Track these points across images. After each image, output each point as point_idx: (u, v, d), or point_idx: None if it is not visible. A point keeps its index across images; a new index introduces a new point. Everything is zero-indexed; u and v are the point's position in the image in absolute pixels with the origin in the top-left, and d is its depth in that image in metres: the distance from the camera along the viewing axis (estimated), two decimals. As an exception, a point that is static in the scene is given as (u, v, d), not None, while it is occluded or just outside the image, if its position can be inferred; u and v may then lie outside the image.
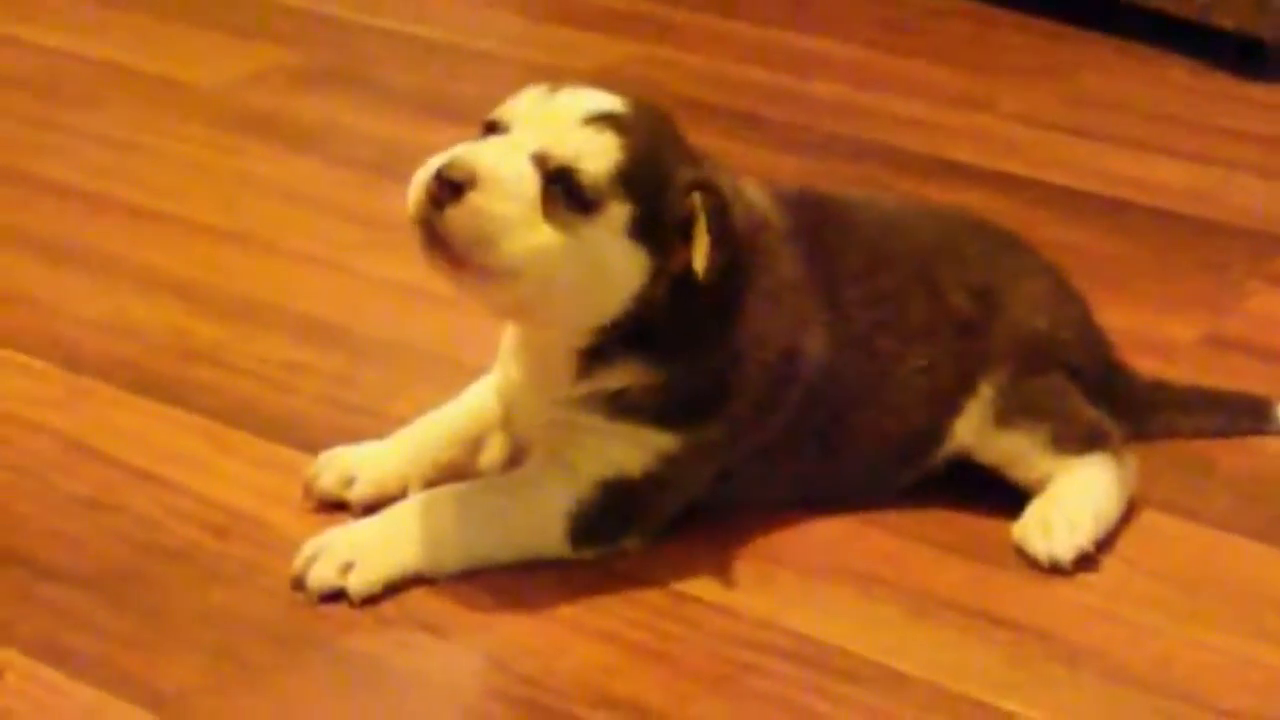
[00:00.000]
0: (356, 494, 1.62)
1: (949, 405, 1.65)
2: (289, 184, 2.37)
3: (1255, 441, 1.84)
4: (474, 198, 1.41)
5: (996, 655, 1.49)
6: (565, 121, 1.46)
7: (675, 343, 1.52)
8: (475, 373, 1.72)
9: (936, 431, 1.66)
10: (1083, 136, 2.72)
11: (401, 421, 1.69)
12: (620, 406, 1.54)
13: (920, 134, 2.69)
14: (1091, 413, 1.68)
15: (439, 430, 1.67)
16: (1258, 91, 2.97)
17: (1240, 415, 1.85)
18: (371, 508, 1.60)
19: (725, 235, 1.48)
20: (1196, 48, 3.10)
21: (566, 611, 1.50)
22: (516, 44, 3.06)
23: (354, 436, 1.68)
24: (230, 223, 2.23)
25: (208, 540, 1.57)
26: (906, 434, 1.65)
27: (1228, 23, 3.05)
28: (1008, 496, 1.67)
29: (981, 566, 1.60)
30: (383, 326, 1.98)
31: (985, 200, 2.40)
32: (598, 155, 1.44)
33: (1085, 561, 1.60)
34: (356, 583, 1.49)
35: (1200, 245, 2.33)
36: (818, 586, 1.57)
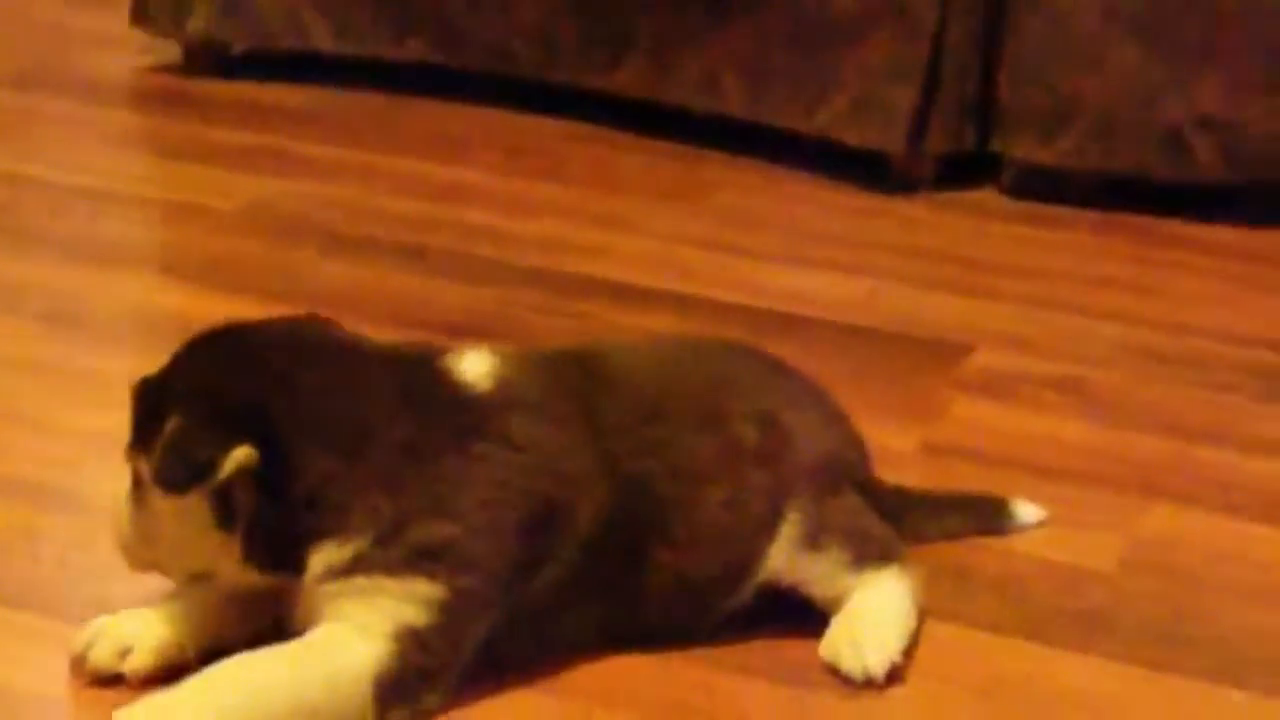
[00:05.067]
0: (133, 665, 1.54)
1: (761, 535, 1.65)
2: (-42, 340, 2.24)
3: (998, 542, 1.89)
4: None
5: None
6: None
7: (328, 523, 1.50)
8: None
9: (750, 562, 1.65)
10: (740, 255, 2.77)
11: (158, 583, 1.60)
12: (364, 568, 1.50)
13: (583, 258, 2.69)
14: (883, 528, 1.70)
15: (210, 593, 1.58)
16: (890, 204, 3.07)
17: (981, 516, 1.90)
18: (149, 679, 1.52)
19: (178, 449, 1.47)
20: (822, 165, 3.19)
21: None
22: (159, 185, 2.96)
23: (108, 603, 1.59)
24: (-94, 384, 2.10)
25: (-11, 726, 1.46)
26: (717, 569, 1.65)
27: (851, 139, 3.14)
28: (790, 615, 1.67)
29: (792, 689, 1.60)
30: (109, 482, 1.86)
31: (670, 322, 2.43)
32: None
33: (893, 676, 1.61)
34: (161, 773, 1.41)
35: (883, 356, 2.39)
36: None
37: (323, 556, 1.50)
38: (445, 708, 1.52)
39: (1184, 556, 1.89)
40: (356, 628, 1.49)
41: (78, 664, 1.54)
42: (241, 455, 1.47)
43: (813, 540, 1.66)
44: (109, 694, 1.51)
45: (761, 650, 1.65)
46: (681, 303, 2.53)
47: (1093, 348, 2.45)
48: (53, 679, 1.54)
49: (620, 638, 1.63)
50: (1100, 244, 2.93)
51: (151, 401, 1.52)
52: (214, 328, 1.56)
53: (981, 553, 1.86)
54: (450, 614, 1.51)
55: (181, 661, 1.54)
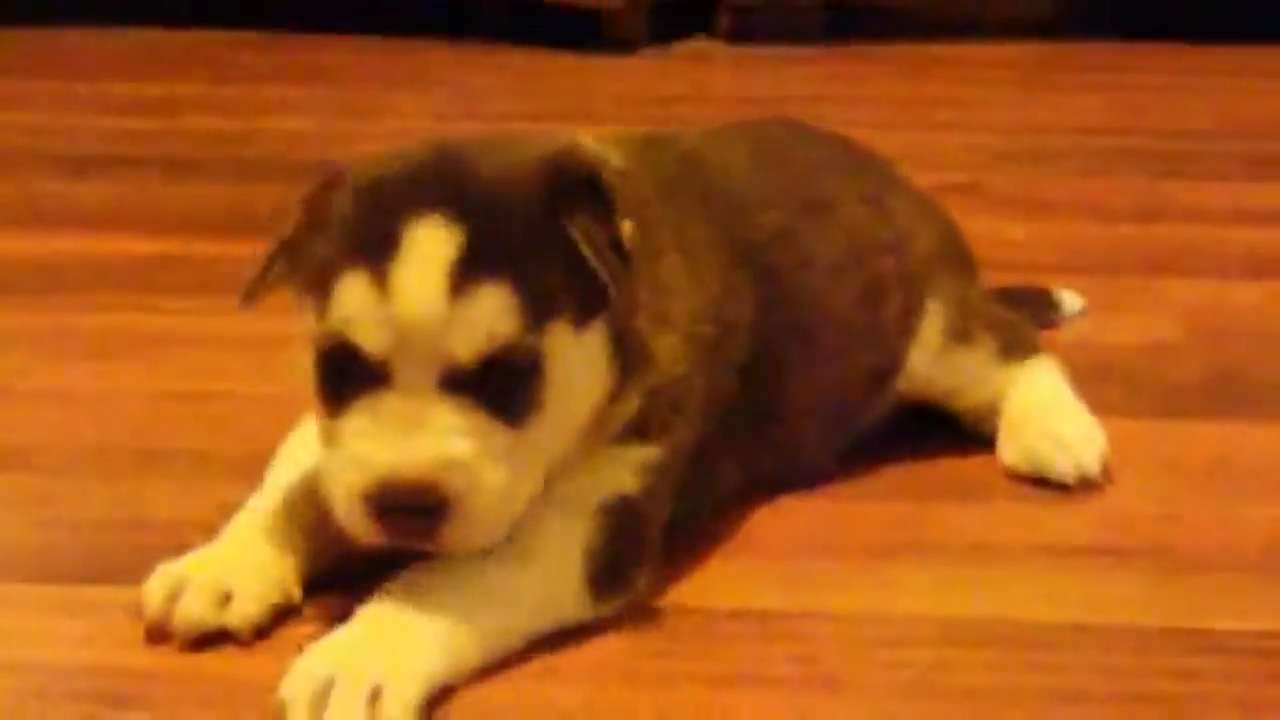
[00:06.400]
0: (240, 614, 1.18)
1: (900, 333, 1.42)
2: None
3: (1055, 335, 1.70)
4: (464, 508, 1.12)
5: (1121, 583, 1.26)
6: (434, 311, 1.12)
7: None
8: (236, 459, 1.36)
9: (890, 366, 1.43)
10: (498, 122, 2.51)
11: (203, 527, 1.24)
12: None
13: (337, 146, 2.38)
14: (1017, 314, 1.50)
15: (298, 506, 1.24)
16: (615, 63, 2.88)
17: (1035, 307, 1.70)
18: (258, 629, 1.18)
19: (612, 249, 1.16)
20: (535, 37, 2.96)
21: (608, 664, 1.16)
22: None
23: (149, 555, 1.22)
24: None
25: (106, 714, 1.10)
26: (857, 375, 1.41)
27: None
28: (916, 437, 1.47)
29: (993, 503, 1.38)
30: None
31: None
32: (494, 318, 1.12)
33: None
34: (396, 713, 1.07)
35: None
36: (865, 566, 1.29)
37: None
38: (654, 588, 1.23)
39: (1229, 319, 1.77)
40: (560, 502, 1.19)
41: (157, 629, 1.18)
42: (629, 226, 1.16)
43: (959, 333, 1.44)
44: (217, 659, 1.16)
45: (924, 474, 1.42)
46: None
47: (966, 156, 2.29)
48: (128, 652, 1.17)
49: (758, 483, 1.37)
50: (862, 71, 2.79)
51: (527, 267, 1.14)
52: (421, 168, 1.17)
53: (1055, 345, 1.67)
54: (662, 474, 1.23)
55: (288, 602, 1.20)
